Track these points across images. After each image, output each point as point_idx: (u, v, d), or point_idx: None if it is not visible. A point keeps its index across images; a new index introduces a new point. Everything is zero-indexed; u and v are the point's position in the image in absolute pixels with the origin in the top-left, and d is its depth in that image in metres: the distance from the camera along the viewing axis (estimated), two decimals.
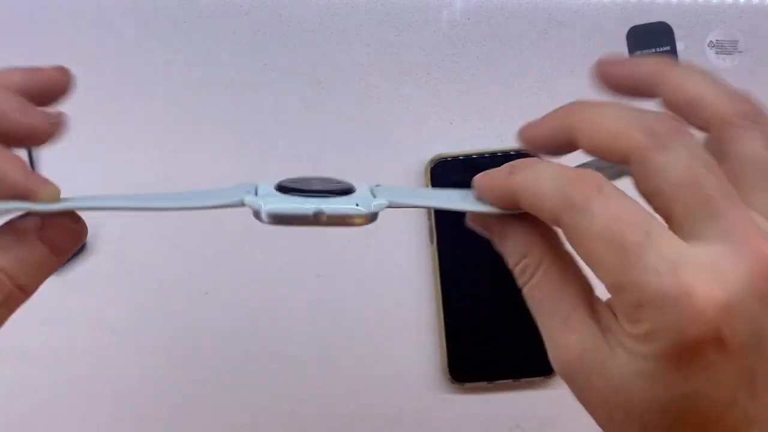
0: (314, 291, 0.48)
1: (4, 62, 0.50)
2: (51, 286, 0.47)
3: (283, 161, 0.49)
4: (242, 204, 0.25)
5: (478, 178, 0.26)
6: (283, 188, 0.26)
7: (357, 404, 0.47)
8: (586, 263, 0.22)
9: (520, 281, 0.25)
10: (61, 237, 0.25)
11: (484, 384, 0.47)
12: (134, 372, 0.47)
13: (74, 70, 0.50)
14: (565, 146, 0.25)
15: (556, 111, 0.25)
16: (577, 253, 0.22)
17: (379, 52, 0.50)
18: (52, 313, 0.48)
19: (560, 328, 0.23)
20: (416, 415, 0.47)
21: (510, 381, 0.47)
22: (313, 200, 0.24)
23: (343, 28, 0.50)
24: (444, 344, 0.47)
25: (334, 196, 0.25)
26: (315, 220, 0.24)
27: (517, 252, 0.25)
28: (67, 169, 0.49)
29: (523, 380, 0.47)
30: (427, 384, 0.47)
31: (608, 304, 0.23)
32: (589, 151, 0.24)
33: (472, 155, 0.47)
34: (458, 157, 0.47)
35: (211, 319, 0.48)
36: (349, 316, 0.48)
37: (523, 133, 0.26)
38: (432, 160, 0.48)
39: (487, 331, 0.47)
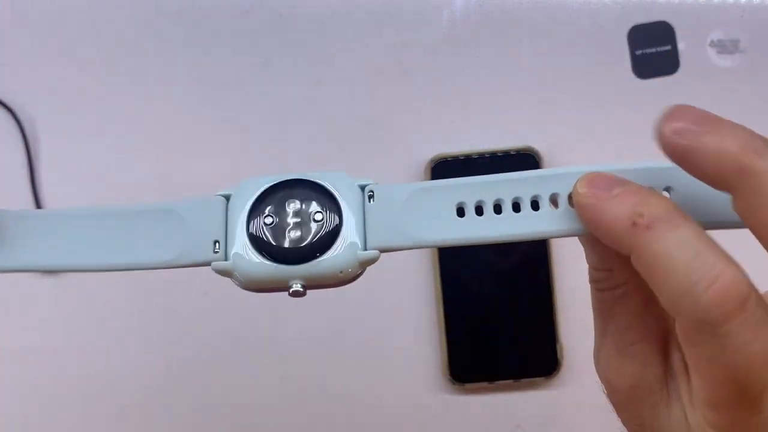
0: (314, 291, 0.48)
1: (5, 62, 0.50)
2: (51, 286, 0.48)
3: (283, 161, 0.49)
4: (209, 264, 0.22)
5: (587, 196, 0.20)
6: (255, 237, 0.22)
7: (357, 404, 0.47)
8: (694, 367, 0.19)
9: (593, 285, 0.22)
10: None
11: (484, 384, 0.47)
12: (134, 372, 0.47)
13: (74, 70, 0.50)
14: (719, 186, 0.19)
15: (733, 139, 0.18)
16: (686, 352, 0.19)
17: (379, 52, 0.49)
18: (52, 313, 0.48)
19: (620, 351, 0.22)
20: (416, 415, 0.47)
21: (510, 381, 0.47)
22: (290, 269, 0.22)
23: (343, 28, 0.50)
24: (444, 344, 0.47)
25: (315, 256, 0.22)
26: (293, 293, 0.22)
27: (601, 262, 0.22)
28: (67, 168, 0.49)
29: (523, 380, 0.47)
30: (427, 384, 0.47)
31: (684, 359, 0.21)
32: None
33: (472, 155, 0.47)
34: (458, 157, 0.47)
35: (211, 319, 0.48)
36: (349, 316, 0.48)
37: (677, 141, 0.18)
38: (432, 160, 0.47)
39: (487, 331, 0.47)
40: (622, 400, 0.22)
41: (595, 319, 0.23)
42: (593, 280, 0.22)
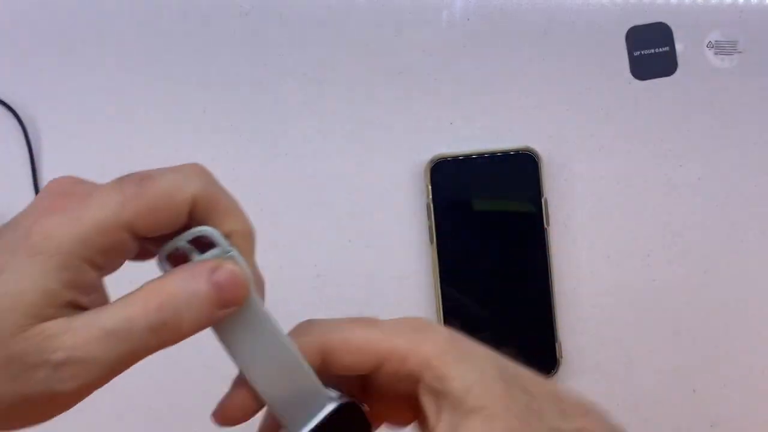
0: (314, 291, 0.48)
1: (3, 62, 0.50)
2: None
3: (283, 161, 0.49)
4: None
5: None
6: None
7: None
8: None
9: None
10: None
11: None
12: (133, 371, 0.47)
13: (74, 70, 0.50)
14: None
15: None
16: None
17: (379, 52, 0.50)
18: None
19: None
20: None
21: None
22: None
23: (343, 28, 0.50)
24: None
25: None
26: None
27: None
28: (68, 166, 0.49)
29: None
30: None
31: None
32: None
33: (472, 155, 0.48)
34: (458, 157, 0.48)
35: None
36: (349, 315, 0.48)
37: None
38: (432, 160, 0.48)
39: (487, 330, 0.47)
40: None
41: None
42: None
